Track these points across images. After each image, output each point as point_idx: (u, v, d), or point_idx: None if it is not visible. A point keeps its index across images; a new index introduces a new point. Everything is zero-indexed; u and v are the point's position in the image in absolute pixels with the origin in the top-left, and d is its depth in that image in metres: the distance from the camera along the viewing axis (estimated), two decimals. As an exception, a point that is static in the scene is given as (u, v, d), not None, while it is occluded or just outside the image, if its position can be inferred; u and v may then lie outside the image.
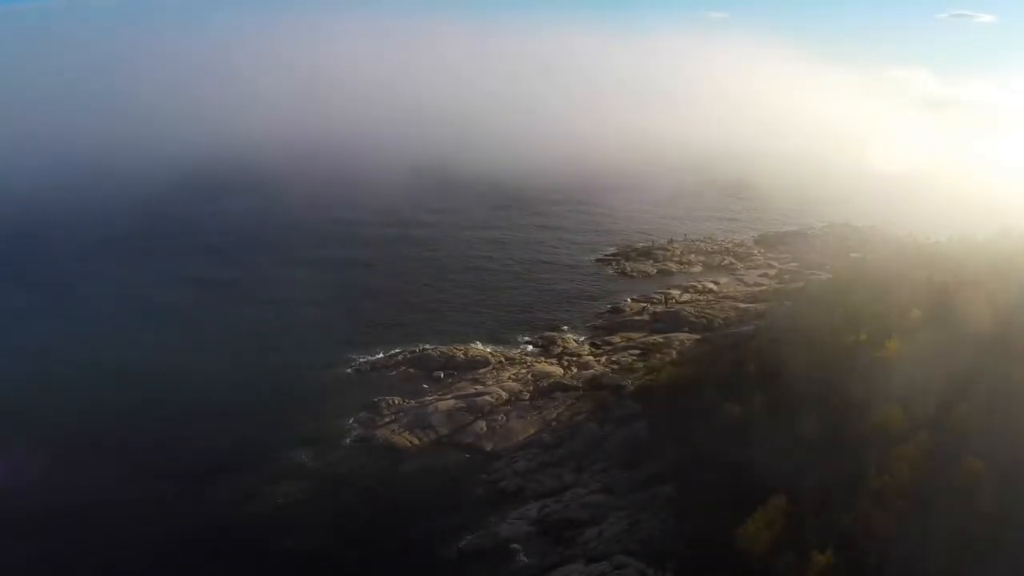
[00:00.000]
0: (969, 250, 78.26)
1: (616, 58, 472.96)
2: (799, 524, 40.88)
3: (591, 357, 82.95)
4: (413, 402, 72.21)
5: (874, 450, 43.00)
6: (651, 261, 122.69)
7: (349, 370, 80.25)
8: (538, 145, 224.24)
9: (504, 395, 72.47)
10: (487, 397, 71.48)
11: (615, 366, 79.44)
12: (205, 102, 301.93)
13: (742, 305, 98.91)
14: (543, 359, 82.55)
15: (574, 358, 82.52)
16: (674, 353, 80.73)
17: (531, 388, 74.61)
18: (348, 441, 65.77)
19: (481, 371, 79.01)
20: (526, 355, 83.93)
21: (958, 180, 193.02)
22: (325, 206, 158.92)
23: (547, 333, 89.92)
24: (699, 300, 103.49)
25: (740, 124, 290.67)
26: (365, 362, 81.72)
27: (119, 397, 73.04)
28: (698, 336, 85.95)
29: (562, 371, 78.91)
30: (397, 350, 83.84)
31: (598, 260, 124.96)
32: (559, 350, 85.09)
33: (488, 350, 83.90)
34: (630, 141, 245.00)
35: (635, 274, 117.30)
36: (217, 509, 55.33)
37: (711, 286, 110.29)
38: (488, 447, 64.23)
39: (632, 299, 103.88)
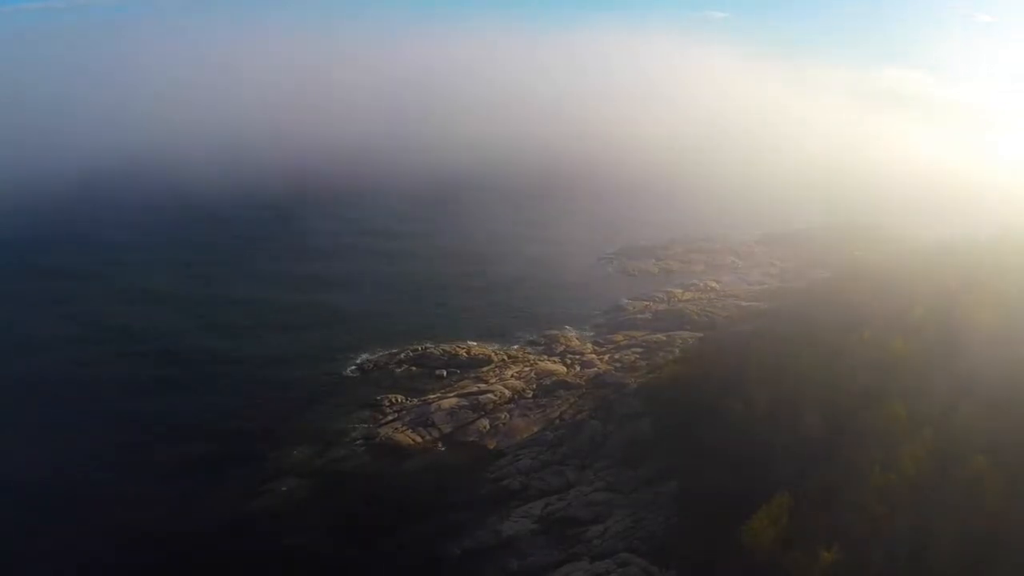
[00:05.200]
0: (971, 249, 78.30)
1: (613, 58, 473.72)
2: (804, 521, 40.79)
3: (594, 355, 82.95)
4: (416, 400, 72.18)
5: (878, 448, 42.90)
6: (653, 260, 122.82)
7: (351, 369, 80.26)
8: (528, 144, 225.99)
9: (507, 393, 72.43)
10: (490, 395, 71.44)
11: (618, 364, 79.48)
12: (189, 105, 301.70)
13: (744, 303, 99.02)
14: (546, 357, 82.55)
15: (577, 356, 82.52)
16: (677, 351, 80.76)
17: (534, 386, 74.60)
18: (350, 439, 65.69)
19: (484, 369, 78.97)
20: (528, 353, 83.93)
21: (959, 179, 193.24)
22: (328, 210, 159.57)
23: (549, 331, 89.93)
24: (701, 298, 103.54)
25: (738, 126, 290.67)
26: (367, 360, 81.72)
27: (121, 395, 73.19)
28: (701, 334, 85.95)
29: (565, 369, 78.90)
30: (399, 349, 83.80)
31: (600, 258, 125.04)
32: (562, 348, 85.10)
33: (490, 348, 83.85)
34: (619, 142, 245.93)
35: (637, 273, 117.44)
36: (218, 507, 55.30)
37: (713, 284, 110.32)
38: (491, 445, 64.20)
39: (634, 297, 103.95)
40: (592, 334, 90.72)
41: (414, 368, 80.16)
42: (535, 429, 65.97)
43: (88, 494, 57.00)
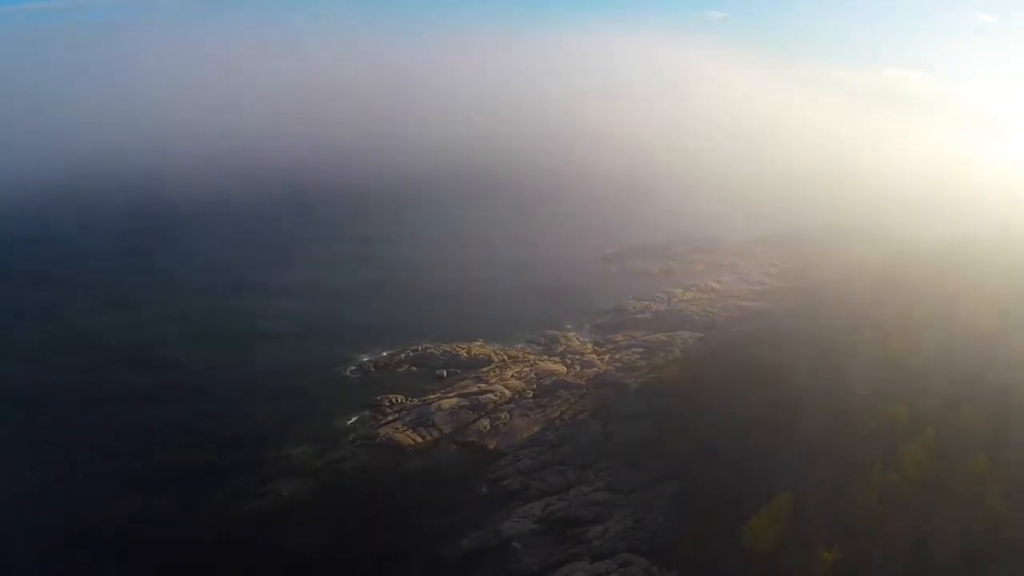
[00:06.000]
0: (972, 250, 78.28)
1: (611, 58, 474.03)
2: (805, 521, 40.77)
3: (594, 355, 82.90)
4: (416, 400, 72.14)
5: (879, 448, 42.88)
6: (653, 260, 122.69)
7: (351, 369, 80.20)
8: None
9: (507, 393, 72.44)
10: (490, 395, 71.43)
11: (618, 364, 79.43)
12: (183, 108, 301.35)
13: (745, 304, 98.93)
14: (546, 357, 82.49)
15: (577, 356, 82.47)
16: (677, 351, 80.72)
17: (534, 386, 74.61)
18: (351, 439, 65.63)
19: (484, 369, 78.89)
20: (529, 353, 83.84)
21: (959, 180, 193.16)
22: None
23: (550, 331, 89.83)
24: (702, 299, 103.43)
25: (738, 126, 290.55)
26: (368, 361, 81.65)
27: (122, 401, 73.14)
28: (701, 334, 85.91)
29: (565, 369, 78.86)
30: (399, 349, 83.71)
31: (601, 259, 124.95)
32: (562, 348, 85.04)
33: (491, 348, 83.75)
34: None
35: (637, 273, 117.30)
36: (220, 508, 55.28)
37: (714, 285, 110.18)
38: (491, 445, 64.18)
39: (635, 297, 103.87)
40: (592, 334, 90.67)
41: (414, 368, 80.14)
42: (535, 429, 65.97)
43: (89, 496, 57.01)
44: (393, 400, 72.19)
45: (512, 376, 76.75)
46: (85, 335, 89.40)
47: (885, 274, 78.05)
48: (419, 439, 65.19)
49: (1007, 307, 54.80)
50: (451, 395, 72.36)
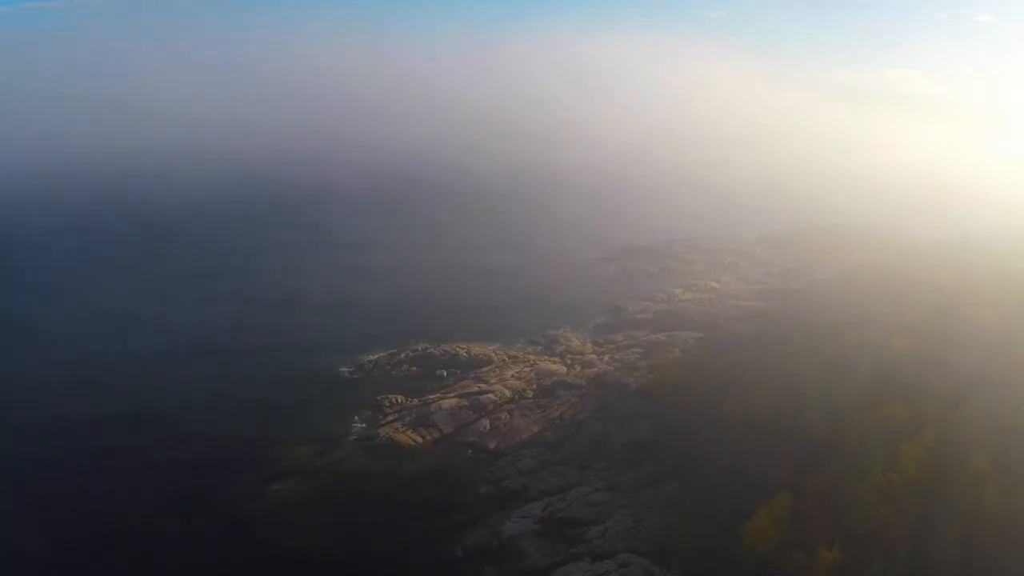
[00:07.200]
0: (971, 250, 78.36)
1: (610, 58, 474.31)
2: (805, 521, 40.77)
3: (594, 355, 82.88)
4: (416, 400, 72.13)
5: (879, 448, 42.91)
6: (653, 260, 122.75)
7: (352, 369, 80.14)
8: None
9: (507, 393, 72.41)
10: (490, 395, 71.43)
11: (618, 364, 79.38)
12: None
13: (745, 303, 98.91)
14: (546, 357, 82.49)
15: (577, 356, 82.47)
16: (677, 351, 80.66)
17: (534, 386, 74.56)
18: (351, 440, 65.61)
19: (484, 369, 78.90)
20: (529, 353, 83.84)
21: (958, 180, 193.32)
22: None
23: (550, 331, 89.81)
24: (702, 298, 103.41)
25: (737, 126, 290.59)
26: (368, 361, 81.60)
27: (122, 398, 73.11)
28: (701, 334, 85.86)
29: (565, 369, 78.84)
30: (399, 349, 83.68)
31: (601, 259, 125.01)
32: (562, 348, 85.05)
33: (491, 348, 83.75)
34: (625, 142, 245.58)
35: (637, 273, 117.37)
36: (219, 508, 55.22)
37: (714, 285, 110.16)
38: (492, 445, 64.12)
39: (634, 297, 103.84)
40: (592, 334, 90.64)
41: (414, 368, 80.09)
42: (535, 429, 65.92)
43: (91, 497, 56.95)
44: (393, 400, 72.17)
45: (512, 376, 76.74)
46: (72, 345, 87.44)
47: (885, 274, 78.18)
48: (419, 439, 65.19)
49: (1007, 307, 54.86)
50: (451, 395, 72.38)
